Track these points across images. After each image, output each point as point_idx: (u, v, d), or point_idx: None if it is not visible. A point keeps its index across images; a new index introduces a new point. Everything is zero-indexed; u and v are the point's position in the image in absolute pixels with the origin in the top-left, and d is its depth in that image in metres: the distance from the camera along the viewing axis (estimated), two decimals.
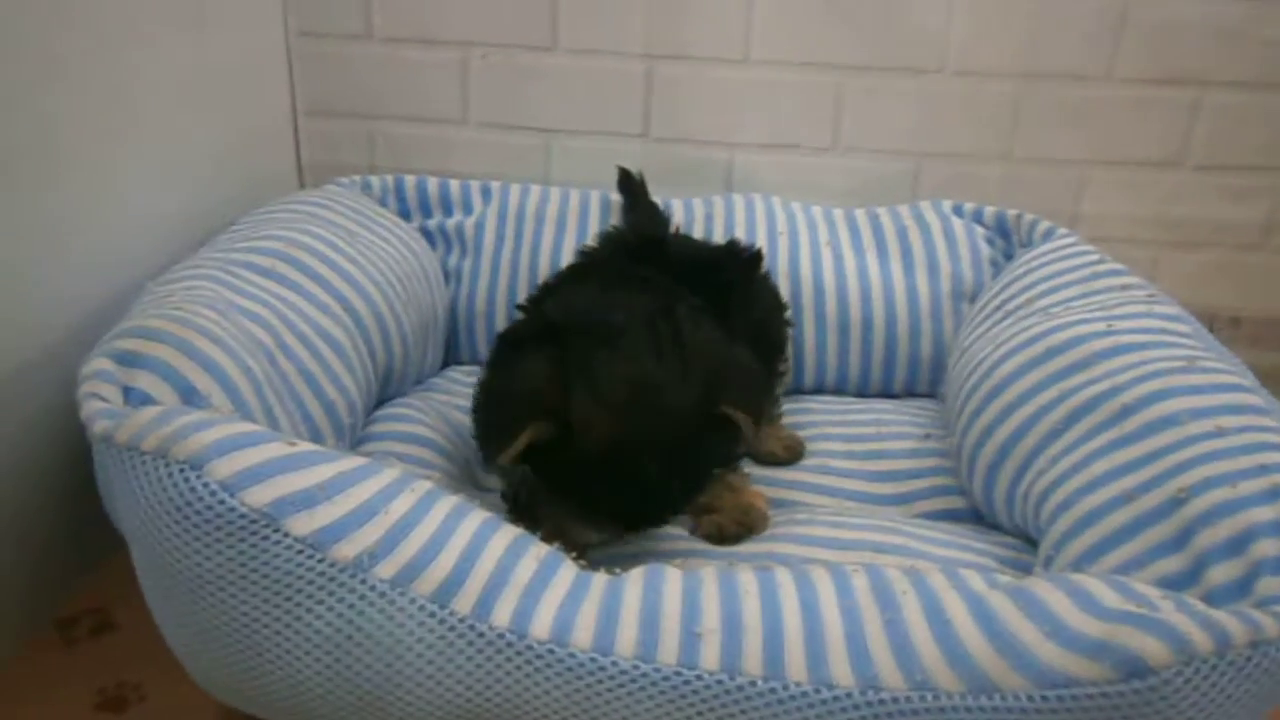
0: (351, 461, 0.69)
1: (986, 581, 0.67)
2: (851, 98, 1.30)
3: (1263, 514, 0.69)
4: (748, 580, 0.68)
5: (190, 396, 0.74)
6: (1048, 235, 1.15)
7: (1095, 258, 1.06)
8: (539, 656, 0.63)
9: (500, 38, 1.31)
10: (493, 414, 0.84)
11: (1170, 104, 1.29)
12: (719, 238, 1.20)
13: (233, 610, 0.63)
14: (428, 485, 0.71)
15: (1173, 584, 0.71)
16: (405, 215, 1.29)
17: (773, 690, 0.62)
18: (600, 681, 0.63)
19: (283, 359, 0.88)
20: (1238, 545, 0.69)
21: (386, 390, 1.07)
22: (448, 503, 0.70)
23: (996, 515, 0.94)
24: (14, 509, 0.86)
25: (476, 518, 0.69)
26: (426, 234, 1.28)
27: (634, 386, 0.77)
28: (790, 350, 1.15)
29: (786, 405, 1.14)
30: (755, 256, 1.08)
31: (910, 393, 1.21)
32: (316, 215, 1.08)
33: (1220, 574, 0.69)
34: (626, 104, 1.33)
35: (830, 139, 1.33)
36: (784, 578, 0.68)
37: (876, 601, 0.65)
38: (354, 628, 0.63)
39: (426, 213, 1.29)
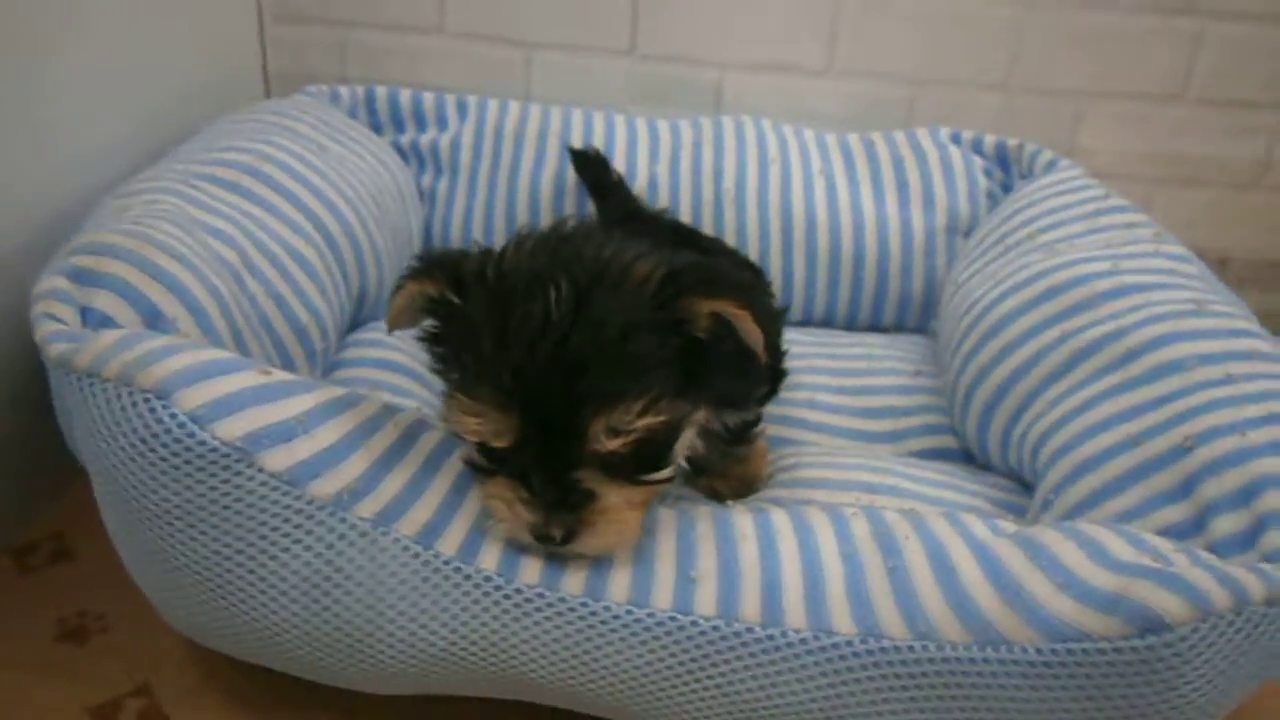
0: (330, 392, 0.65)
1: (990, 529, 0.64)
2: (849, 18, 1.24)
3: (1271, 464, 0.67)
4: (744, 524, 0.65)
5: (154, 319, 0.69)
6: (1050, 167, 1.11)
7: (1100, 193, 1.02)
8: (528, 600, 0.61)
9: None
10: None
11: (1174, 34, 1.24)
12: (707, 164, 1.15)
13: (203, 548, 0.60)
14: (410, 418, 0.67)
15: (1175, 533, 0.69)
16: (377, 129, 1.22)
17: (770, 637, 0.60)
18: (591, 626, 0.61)
19: (250, 279, 0.83)
20: (1244, 496, 0.67)
21: (360, 313, 1.03)
22: (430, 439, 0.66)
23: (989, 456, 0.92)
24: None
25: (459, 456, 0.66)
26: (399, 150, 1.21)
27: (554, 246, 0.63)
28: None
29: None
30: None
31: (900, 328, 1.18)
32: (284, 127, 1.01)
33: (1225, 525, 0.67)
34: (612, 17, 1.26)
35: (825, 61, 1.27)
36: (781, 522, 0.66)
37: (879, 548, 0.63)
38: (333, 568, 0.60)
39: (399, 127, 1.23)
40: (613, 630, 0.60)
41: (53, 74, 0.90)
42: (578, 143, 1.16)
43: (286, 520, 0.59)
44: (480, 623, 0.61)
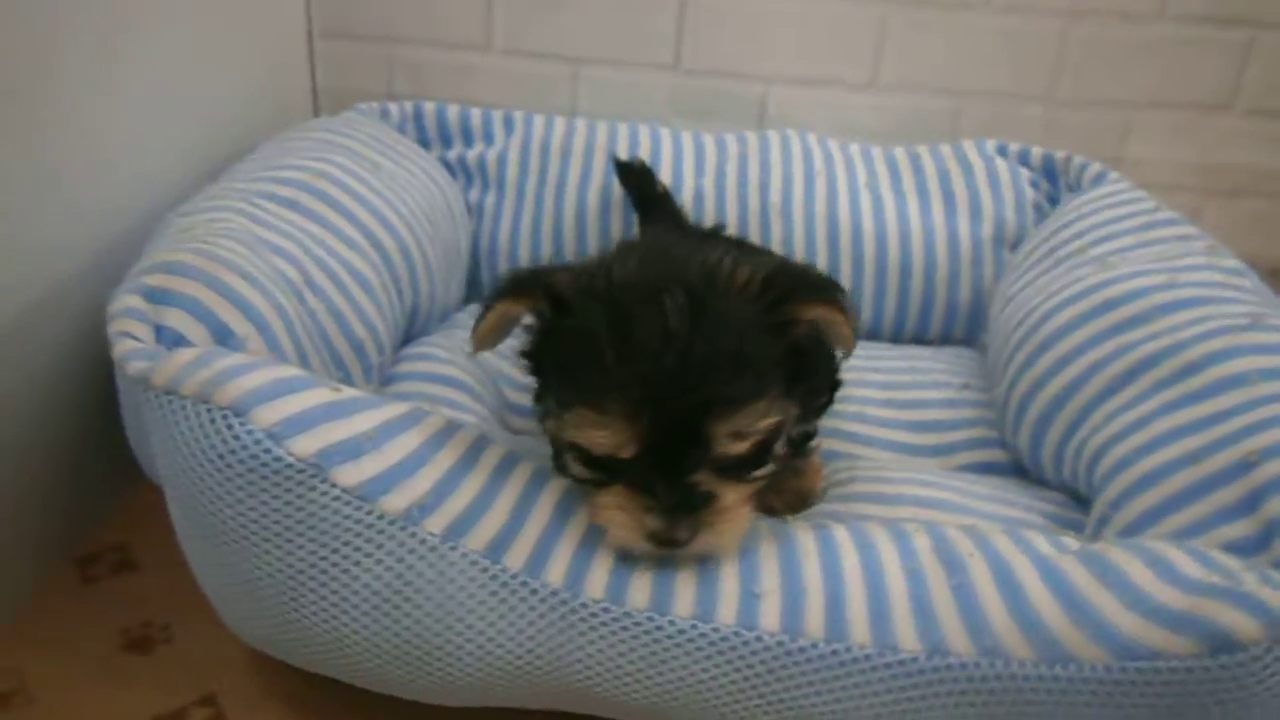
0: (396, 408, 0.66)
1: (1054, 545, 0.64)
2: (893, 32, 1.25)
3: None
4: (805, 540, 0.66)
5: (224, 336, 0.71)
6: (1098, 180, 1.11)
7: (1151, 205, 1.02)
8: (593, 615, 0.61)
9: None
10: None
11: (1222, 45, 1.24)
12: (753, 176, 1.16)
13: (277, 562, 0.61)
14: (474, 434, 0.68)
15: (1239, 549, 0.69)
16: (424, 145, 1.23)
17: (835, 653, 0.60)
18: (656, 641, 0.61)
19: (311, 297, 0.84)
20: None
21: (412, 328, 1.04)
22: (494, 453, 0.67)
23: (1043, 470, 0.92)
24: (29, 442, 0.83)
25: (525, 469, 0.67)
26: (446, 165, 1.23)
27: (660, 256, 0.66)
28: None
29: None
30: None
31: (945, 340, 1.18)
32: (338, 144, 1.03)
33: None
34: (657, 32, 1.27)
35: (870, 75, 1.27)
36: (843, 537, 0.66)
37: (942, 564, 0.63)
38: (403, 581, 0.61)
39: (446, 143, 1.24)
40: (677, 645, 0.61)
41: (109, 96, 0.91)
42: (624, 156, 1.17)
43: (358, 535, 0.60)
44: (546, 636, 0.62)
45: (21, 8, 0.78)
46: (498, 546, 0.62)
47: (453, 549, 0.61)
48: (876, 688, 0.60)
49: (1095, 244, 0.99)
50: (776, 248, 1.13)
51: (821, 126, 1.26)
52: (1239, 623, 0.53)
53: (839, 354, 0.70)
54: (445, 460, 0.64)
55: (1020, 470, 0.96)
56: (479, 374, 1.00)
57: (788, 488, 0.87)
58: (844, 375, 1.05)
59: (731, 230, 1.14)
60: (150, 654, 0.82)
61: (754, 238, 1.14)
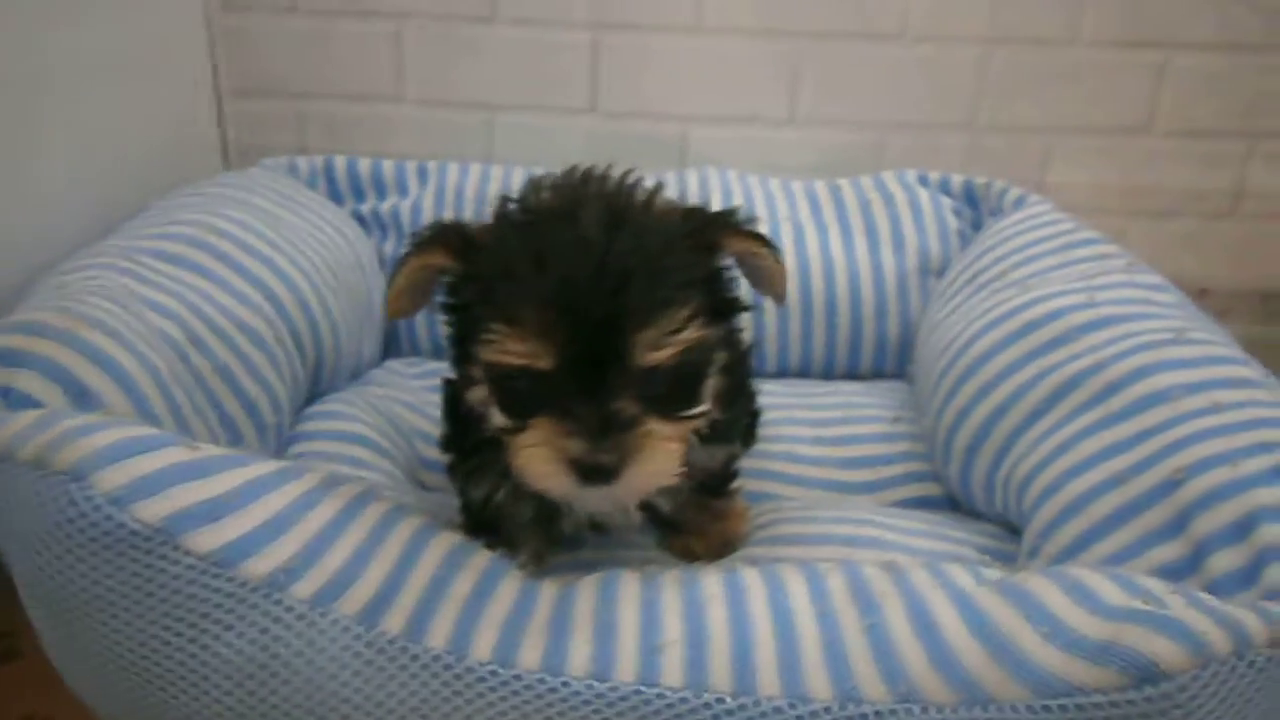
0: (265, 466, 0.61)
1: (974, 577, 0.61)
2: (810, 66, 1.24)
3: (1266, 495, 0.64)
4: (711, 584, 0.61)
5: (81, 397, 0.66)
6: (1019, 203, 1.09)
7: (1069, 226, 1.00)
8: (480, 680, 0.56)
9: (437, 7, 1.23)
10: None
11: (1137, 67, 1.24)
12: None
13: (128, 639, 0.56)
14: (355, 490, 0.63)
15: (1171, 573, 0.65)
16: (337, 199, 1.20)
17: (743, 707, 0.55)
18: (550, 705, 0.56)
19: (196, 355, 0.80)
20: (1241, 530, 0.64)
21: (318, 385, 0.99)
22: (377, 509, 0.62)
23: (974, 502, 0.88)
24: None
25: (410, 524, 0.62)
26: (360, 219, 1.19)
27: (574, 185, 0.64)
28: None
29: None
30: None
31: (877, 375, 1.15)
32: (234, 198, 0.99)
33: (1223, 561, 0.63)
34: (572, 77, 1.26)
35: (788, 111, 1.26)
36: (752, 580, 0.62)
37: (855, 604, 0.59)
38: (269, 654, 0.56)
39: (359, 196, 1.21)
40: (572, 708, 0.56)
41: (8, 155, 0.88)
42: None
43: (217, 605, 0.55)
44: (430, 706, 0.56)
45: None
46: (374, 610, 0.57)
47: (323, 615, 0.56)
48: None
49: (1016, 267, 0.97)
50: None
51: (744, 164, 1.24)
52: (1164, 650, 0.49)
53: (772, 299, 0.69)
54: (318, 519, 0.59)
55: (955, 504, 0.93)
56: (389, 429, 0.95)
57: (711, 532, 0.83)
58: (772, 414, 1.03)
59: None
60: None
61: None
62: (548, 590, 0.61)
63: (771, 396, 1.08)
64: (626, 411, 0.58)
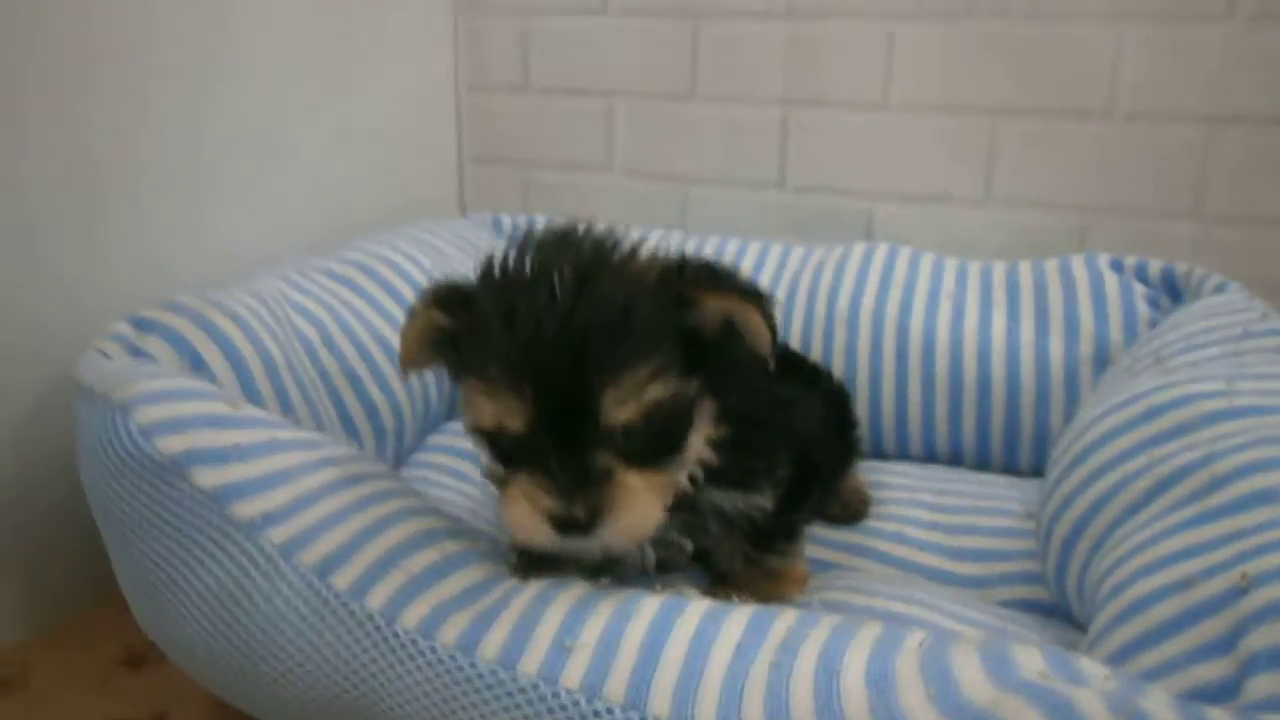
0: (295, 433, 0.69)
1: (920, 637, 0.54)
2: (1005, 144, 1.17)
3: None
4: (651, 602, 0.60)
5: (196, 365, 0.79)
6: (1219, 290, 0.95)
7: (1256, 314, 0.86)
8: (403, 646, 0.59)
9: (643, 85, 1.32)
10: None
11: None
12: (825, 284, 1.11)
13: (143, 556, 0.65)
14: (361, 468, 0.69)
15: (1210, 696, 0.54)
16: None
17: None
18: (458, 683, 0.58)
19: (326, 354, 0.91)
20: None
21: (455, 411, 1.08)
22: (371, 486, 0.68)
23: (1069, 604, 0.77)
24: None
25: (393, 504, 0.67)
26: None
27: (556, 244, 0.64)
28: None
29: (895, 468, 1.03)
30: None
31: (1037, 472, 1.04)
32: (418, 238, 1.13)
33: (1264, 686, 0.51)
34: (762, 152, 1.29)
35: (982, 190, 1.20)
36: (696, 608, 0.59)
37: (781, 644, 0.55)
38: (240, 589, 0.63)
39: None
40: (476, 691, 0.57)
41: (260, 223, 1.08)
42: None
43: (208, 536, 0.63)
44: (361, 663, 0.60)
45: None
46: (329, 564, 0.62)
47: (286, 561, 0.62)
48: None
49: (1179, 354, 0.85)
50: (838, 357, 1.07)
51: (934, 245, 1.19)
52: None
53: (762, 355, 0.65)
54: (314, 482, 0.66)
55: (1065, 610, 0.81)
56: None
57: (760, 590, 0.79)
58: (893, 494, 0.97)
59: (794, 338, 1.09)
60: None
61: (816, 345, 1.08)
62: (508, 584, 0.63)
63: (901, 478, 1.02)
64: (600, 465, 0.59)
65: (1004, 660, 0.47)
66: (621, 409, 0.59)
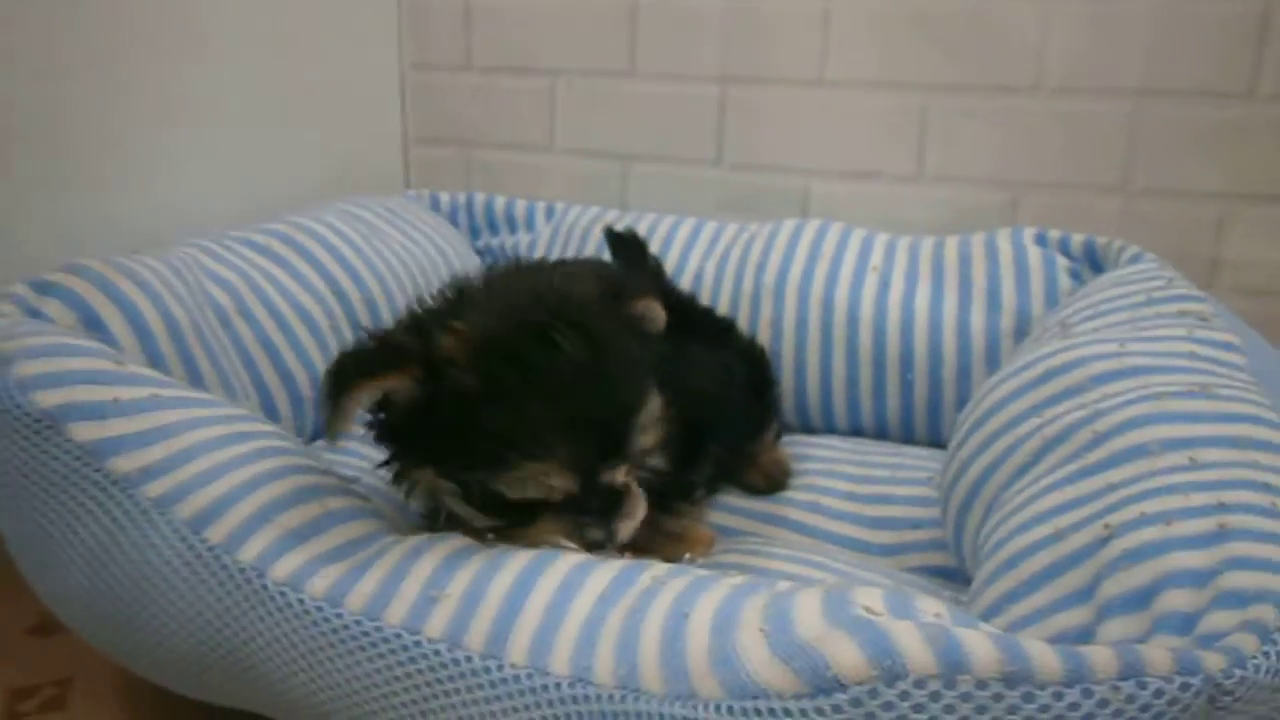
0: (179, 391, 0.69)
1: (781, 586, 0.54)
2: (938, 122, 1.18)
3: (1185, 559, 0.52)
4: (521, 556, 0.60)
5: (93, 327, 0.78)
6: (1134, 260, 0.96)
7: (1162, 281, 0.86)
8: (271, 599, 0.59)
9: (583, 63, 1.32)
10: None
11: None
12: (754, 257, 1.12)
13: (22, 512, 0.65)
14: (249, 427, 0.69)
15: (1069, 643, 0.54)
16: (474, 232, 1.31)
17: (487, 669, 0.54)
18: (324, 635, 0.58)
19: (240, 322, 0.91)
20: (1145, 596, 0.52)
21: None
22: (256, 444, 0.67)
23: (967, 565, 0.77)
24: None
25: (275, 462, 0.66)
26: (491, 252, 1.29)
27: (515, 300, 0.65)
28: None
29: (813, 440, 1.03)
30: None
31: None
32: (350, 212, 1.12)
33: (1114, 631, 0.52)
34: (700, 129, 1.29)
35: (915, 167, 1.20)
36: (566, 560, 0.59)
37: (646, 591, 0.55)
38: (115, 543, 0.62)
39: (493, 230, 1.31)
40: (343, 642, 0.57)
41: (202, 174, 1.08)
42: (658, 247, 1.16)
43: (84, 491, 0.63)
44: (234, 616, 0.60)
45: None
46: (203, 518, 0.61)
47: (161, 514, 0.62)
48: (534, 714, 0.52)
49: (1084, 320, 0.85)
50: (764, 329, 1.08)
51: (868, 221, 1.19)
52: (844, 655, 0.41)
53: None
54: (193, 438, 0.65)
55: (966, 574, 0.81)
56: None
57: (662, 553, 0.79)
58: (812, 466, 0.97)
59: (722, 310, 1.09)
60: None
61: (743, 318, 1.08)
62: (389, 540, 0.63)
63: (824, 450, 1.02)
64: (614, 485, 0.65)
65: (843, 600, 0.47)
66: (646, 437, 0.65)
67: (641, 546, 0.79)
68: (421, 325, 0.65)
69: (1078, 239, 1.05)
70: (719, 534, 0.84)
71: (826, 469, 0.98)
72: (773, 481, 0.94)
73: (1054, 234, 1.06)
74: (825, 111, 1.22)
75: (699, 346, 0.88)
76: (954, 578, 0.82)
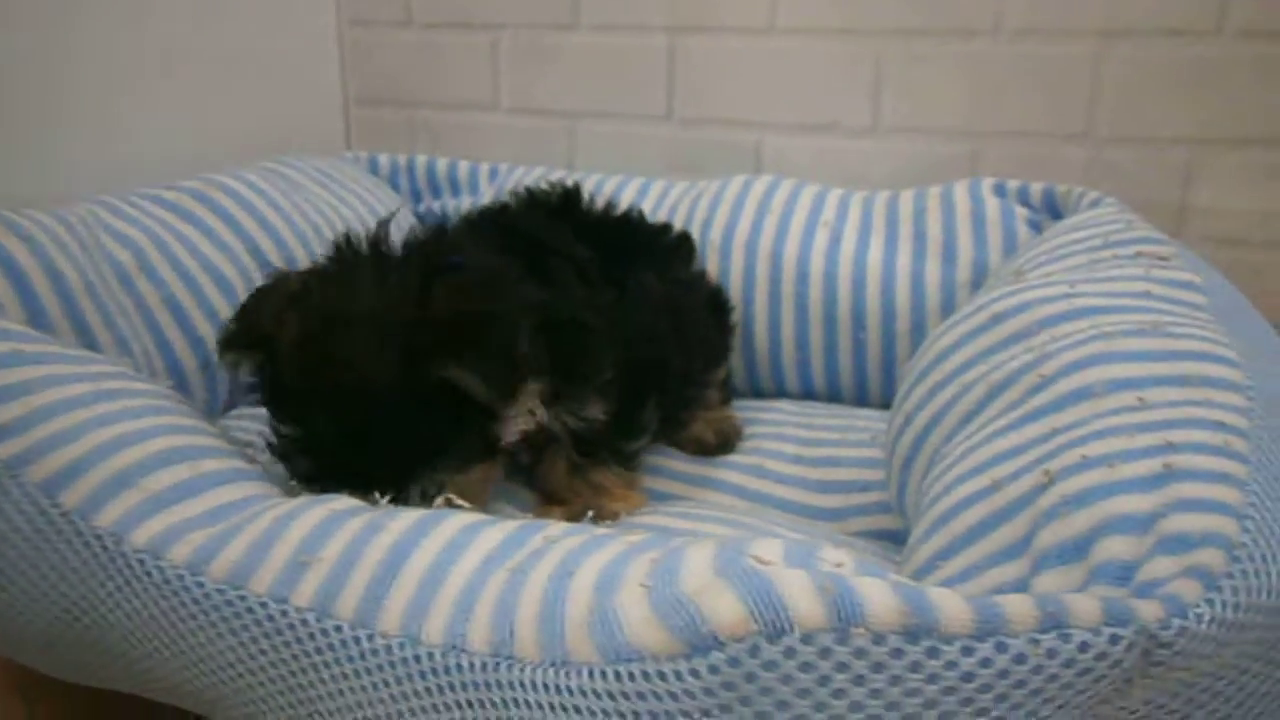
0: (44, 347, 0.64)
1: (674, 541, 0.48)
2: (894, 71, 1.12)
3: (1127, 503, 0.46)
4: (405, 519, 0.54)
5: None
6: (1094, 205, 0.91)
7: (1121, 225, 0.81)
8: (129, 567, 0.54)
9: (525, 17, 1.26)
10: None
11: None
12: (700, 214, 1.06)
13: None
14: (123, 385, 0.63)
15: None
16: (416, 196, 1.26)
17: (357, 640, 0.48)
18: (185, 605, 0.52)
19: (143, 281, 0.85)
20: (1083, 546, 0.46)
21: None
22: (126, 402, 0.62)
23: (910, 524, 0.72)
24: None
25: (148, 420, 0.61)
26: (433, 215, 1.23)
27: (330, 322, 0.64)
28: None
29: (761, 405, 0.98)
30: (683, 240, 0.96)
31: None
32: (275, 170, 1.06)
33: (1049, 583, 0.46)
34: (649, 83, 1.23)
35: (870, 117, 1.14)
36: (455, 522, 0.54)
37: (535, 552, 0.50)
38: None
39: (435, 193, 1.25)
40: (205, 613, 0.52)
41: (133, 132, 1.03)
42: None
43: None
44: (91, 585, 0.55)
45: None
46: (58, 481, 0.56)
47: (13, 478, 0.56)
48: (405, 688, 0.47)
49: (1038, 265, 0.80)
50: None
51: (824, 176, 1.13)
52: (722, 609, 0.36)
53: None
54: (53, 395, 0.60)
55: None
56: None
57: (587, 502, 0.75)
58: (761, 429, 0.92)
59: None
60: None
61: None
62: (265, 504, 0.57)
63: (773, 414, 0.97)
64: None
65: (735, 552, 0.42)
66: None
67: (567, 496, 0.75)
68: (274, 306, 0.68)
69: (1037, 188, 0.99)
70: (646, 498, 0.78)
71: (774, 432, 0.93)
72: (723, 438, 0.88)
73: (1013, 184, 1.01)
74: (777, 61, 1.16)
75: (648, 272, 0.82)
76: (901, 540, 0.77)
